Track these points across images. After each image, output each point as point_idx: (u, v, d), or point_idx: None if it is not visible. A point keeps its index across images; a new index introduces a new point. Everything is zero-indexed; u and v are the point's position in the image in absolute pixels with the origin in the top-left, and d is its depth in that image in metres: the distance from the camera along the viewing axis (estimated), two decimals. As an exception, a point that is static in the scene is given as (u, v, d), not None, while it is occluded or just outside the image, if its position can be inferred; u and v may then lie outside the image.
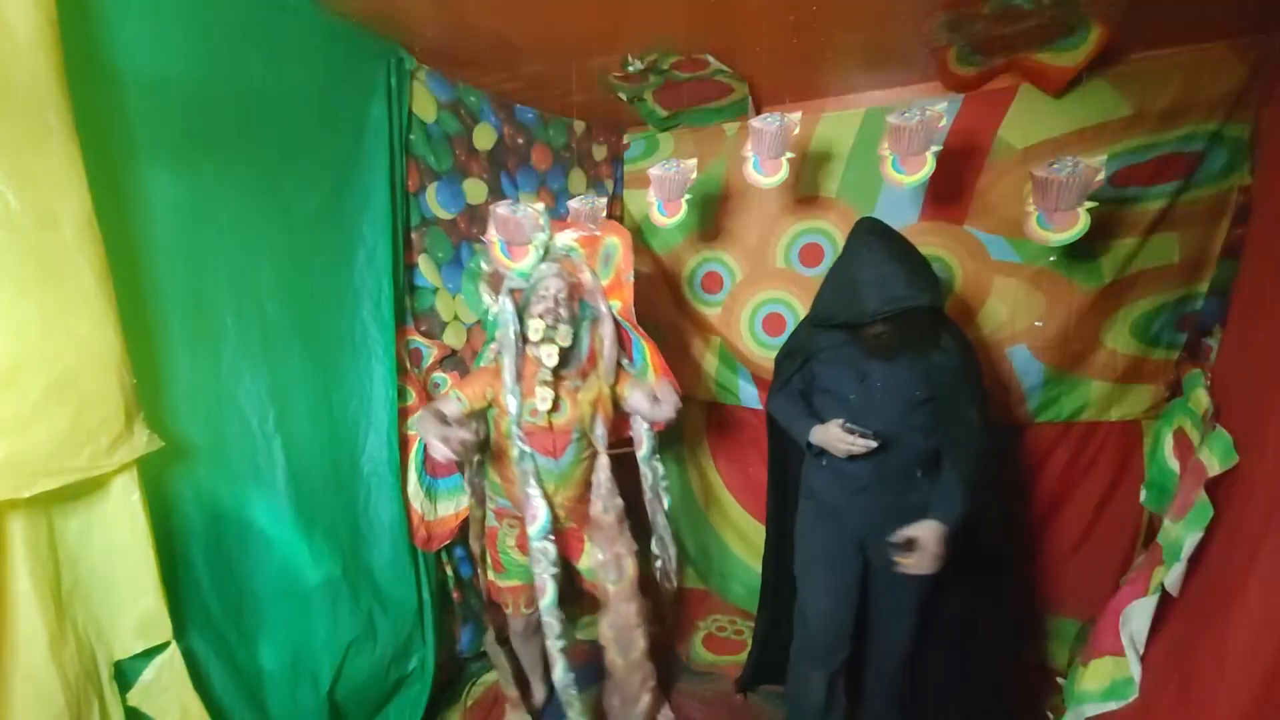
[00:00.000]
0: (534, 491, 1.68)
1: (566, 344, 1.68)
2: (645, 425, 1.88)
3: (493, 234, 1.75)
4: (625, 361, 1.89)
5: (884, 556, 1.61)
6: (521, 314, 1.71)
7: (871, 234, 1.62)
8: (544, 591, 1.69)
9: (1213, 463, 1.34)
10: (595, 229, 1.91)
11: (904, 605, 1.73)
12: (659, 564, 2.00)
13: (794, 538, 1.87)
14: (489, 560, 1.95)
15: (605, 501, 1.74)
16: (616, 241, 1.90)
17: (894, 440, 1.59)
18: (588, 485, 1.81)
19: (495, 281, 1.82)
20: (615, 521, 1.75)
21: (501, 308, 1.72)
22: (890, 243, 1.59)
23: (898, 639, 1.78)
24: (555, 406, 1.70)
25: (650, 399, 1.74)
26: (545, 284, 1.71)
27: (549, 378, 1.69)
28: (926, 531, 1.52)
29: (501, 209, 1.71)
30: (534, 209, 1.73)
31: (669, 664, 2.38)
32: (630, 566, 1.77)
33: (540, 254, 1.75)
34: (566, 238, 1.85)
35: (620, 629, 1.79)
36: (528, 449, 1.69)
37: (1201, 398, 1.61)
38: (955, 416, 1.62)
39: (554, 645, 1.70)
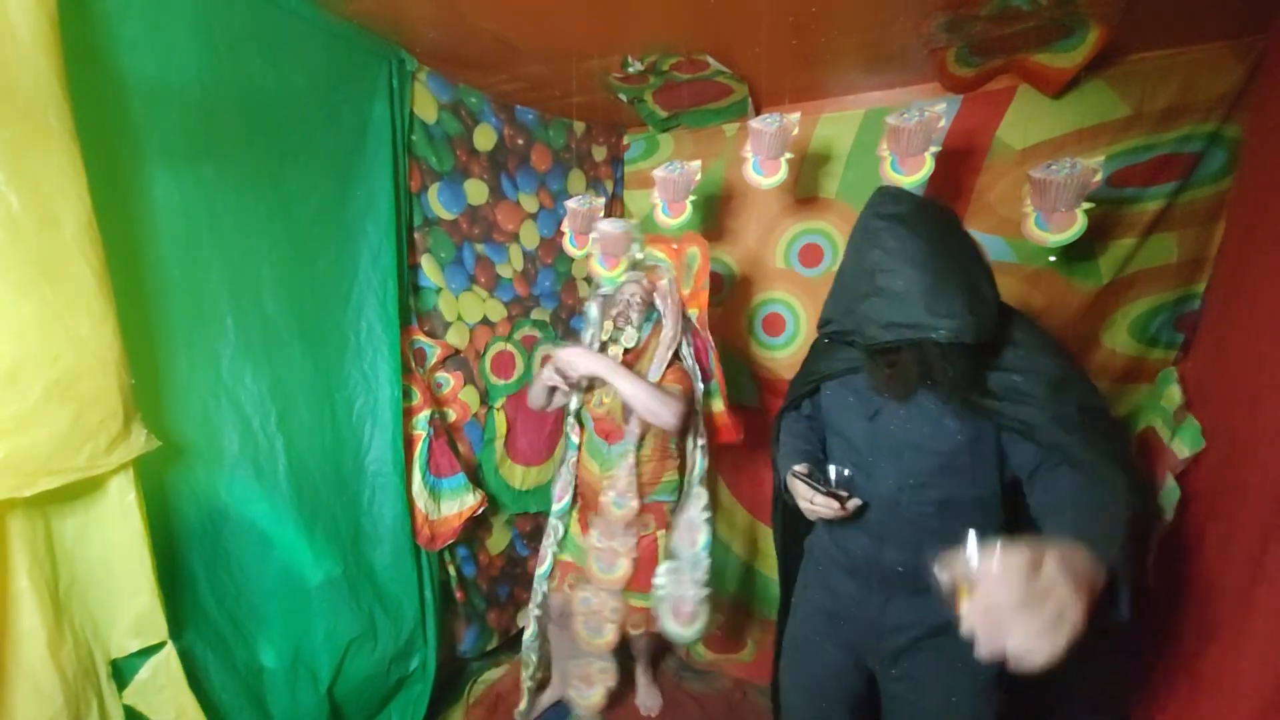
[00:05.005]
0: (568, 475, 1.92)
1: (630, 345, 1.80)
2: (700, 443, 1.87)
3: (594, 247, 1.88)
4: (700, 384, 1.90)
5: (895, 671, 1.20)
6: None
7: (894, 219, 1.06)
8: (543, 560, 1.92)
9: (1183, 449, 1.39)
10: (674, 242, 1.97)
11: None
12: (656, 602, 1.80)
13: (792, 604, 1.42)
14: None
15: (619, 496, 1.74)
16: (695, 251, 1.93)
17: (906, 497, 1.14)
18: (647, 485, 1.82)
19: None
20: (620, 520, 1.75)
21: (587, 310, 1.94)
22: (920, 235, 1.04)
23: None
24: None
25: (655, 400, 1.63)
26: (623, 289, 1.86)
27: None
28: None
29: (605, 225, 1.83)
30: (631, 225, 1.86)
31: (669, 663, 2.38)
32: (623, 569, 1.77)
33: (629, 264, 1.89)
34: (656, 250, 1.95)
35: (591, 612, 1.81)
36: (575, 439, 1.91)
37: (1174, 394, 1.63)
38: (1063, 432, 1.03)
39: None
